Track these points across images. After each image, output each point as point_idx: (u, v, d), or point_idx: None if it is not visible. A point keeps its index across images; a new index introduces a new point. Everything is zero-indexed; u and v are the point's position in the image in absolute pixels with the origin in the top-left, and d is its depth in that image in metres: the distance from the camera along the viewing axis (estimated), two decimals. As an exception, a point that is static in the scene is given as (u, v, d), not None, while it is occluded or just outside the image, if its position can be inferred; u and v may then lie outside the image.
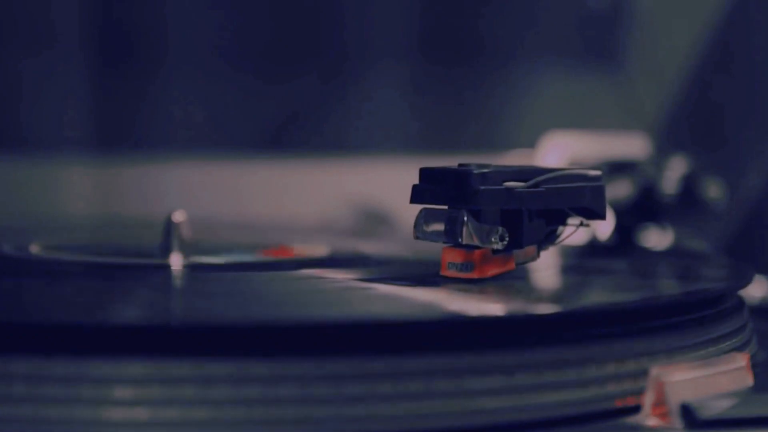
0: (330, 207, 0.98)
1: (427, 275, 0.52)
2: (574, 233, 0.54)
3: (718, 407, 0.43)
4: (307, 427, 0.41)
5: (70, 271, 0.58)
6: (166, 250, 0.60)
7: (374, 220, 0.93)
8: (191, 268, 0.57)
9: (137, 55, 1.03)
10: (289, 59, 1.05)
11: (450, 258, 0.51)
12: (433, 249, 0.52)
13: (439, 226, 0.50)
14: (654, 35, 1.01)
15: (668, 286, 0.58)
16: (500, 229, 0.50)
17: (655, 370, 0.44)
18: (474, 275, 0.50)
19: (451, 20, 1.06)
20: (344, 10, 1.05)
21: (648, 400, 0.44)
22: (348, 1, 1.05)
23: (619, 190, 0.71)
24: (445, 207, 0.50)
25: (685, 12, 0.98)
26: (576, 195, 0.52)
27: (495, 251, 0.51)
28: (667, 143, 0.83)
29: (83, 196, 1.01)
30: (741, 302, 0.54)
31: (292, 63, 1.05)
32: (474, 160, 0.54)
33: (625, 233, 0.71)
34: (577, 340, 0.44)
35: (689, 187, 0.72)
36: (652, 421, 0.43)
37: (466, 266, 0.51)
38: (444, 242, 0.51)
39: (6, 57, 1.00)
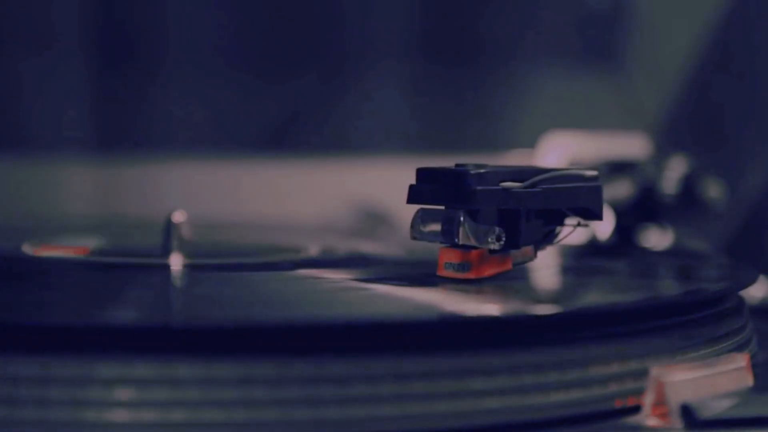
0: (330, 207, 0.98)
1: (424, 275, 0.52)
2: (573, 233, 0.54)
3: (718, 407, 0.43)
4: (304, 427, 0.41)
5: (70, 271, 0.58)
6: (166, 250, 0.60)
7: (374, 220, 0.93)
8: (191, 268, 0.57)
9: (137, 56, 1.03)
10: (289, 59, 1.05)
11: (447, 258, 0.51)
12: (433, 249, 0.52)
13: (436, 227, 0.50)
14: (654, 35, 1.01)
15: (668, 286, 0.57)
16: (497, 229, 0.50)
17: (655, 370, 0.44)
18: (471, 275, 0.50)
19: (451, 20, 1.06)
20: (344, 10, 1.05)
21: (648, 400, 0.44)
22: (348, 1, 1.05)
23: (620, 190, 0.71)
24: (443, 207, 0.50)
25: (685, 12, 0.98)
26: (573, 195, 0.52)
27: (491, 251, 0.51)
28: (667, 143, 0.83)
29: (83, 196, 1.01)
30: (741, 303, 0.54)
31: (292, 63, 1.05)
32: (473, 160, 0.54)
33: (625, 233, 0.71)
34: (577, 341, 0.44)
35: (689, 187, 0.72)
36: (652, 421, 0.43)
37: (464, 266, 0.51)
38: (441, 242, 0.51)
39: (6, 57, 1.00)
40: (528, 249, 0.52)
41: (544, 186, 0.51)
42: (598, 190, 0.53)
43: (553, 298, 0.53)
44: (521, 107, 1.05)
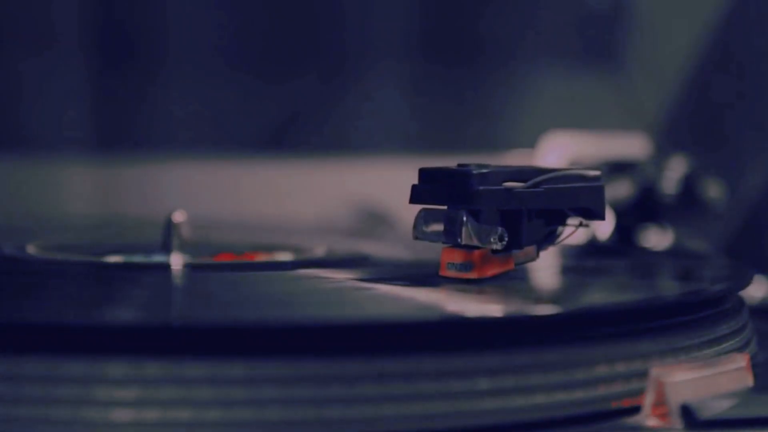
0: (330, 207, 0.98)
1: (426, 275, 0.52)
2: (574, 233, 0.54)
3: (718, 407, 0.43)
4: (303, 428, 0.41)
5: (70, 271, 0.58)
6: (166, 250, 0.60)
7: (374, 220, 0.93)
8: (191, 268, 0.57)
9: (137, 55, 1.03)
10: (289, 59, 1.05)
11: (449, 258, 0.51)
12: (433, 249, 0.52)
13: (439, 227, 0.50)
14: (654, 35, 1.01)
15: (668, 287, 0.57)
16: (499, 229, 0.50)
17: (655, 371, 0.44)
18: (473, 275, 0.50)
19: (451, 20, 1.06)
20: (344, 10, 1.05)
21: (648, 400, 0.44)
22: (348, 1, 1.05)
23: (619, 190, 0.71)
24: (445, 207, 0.50)
25: (685, 12, 0.98)
26: (575, 195, 0.52)
27: (494, 251, 0.51)
28: (667, 143, 0.83)
29: (83, 196, 1.01)
30: (741, 303, 0.54)
31: (292, 63, 1.05)
32: (474, 160, 0.54)
33: (625, 233, 0.71)
34: (577, 341, 0.44)
35: (689, 187, 0.72)
36: (652, 422, 0.43)
37: (466, 266, 0.51)
38: (443, 242, 0.51)
39: (6, 57, 1.00)
40: (530, 249, 0.52)
41: (546, 186, 0.51)
42: (599, 190, 0.53)
43: (553, 298, 0.53)
44: (521, 107, 1.05)
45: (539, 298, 0.52)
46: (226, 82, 1.05)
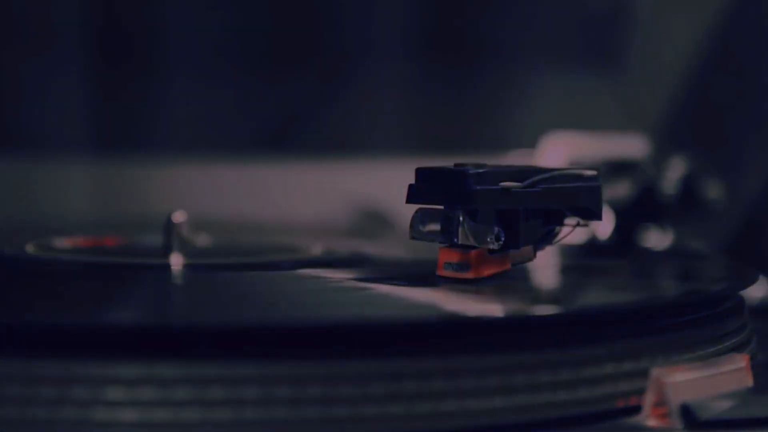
0: (330, 207, 0.98)
1: (423, 275, 0.52)
2: (571, 233, 0.54)
3: (718, 408, 0.43)
4: (302, 428, 0.41)
5: (70, 271, 0.58)
6: (166, 250, 0.60)
7: (374, 220, 0.93)
8: (191, 268, 0.57)
9: (137, 56, 1.03)
10: (289, 59, 1.05)
11: (446, 258, 0.51)
12: (432, 249, 0.52)
13: (435, 226, 0.50)
14: (654, 36, 1.01)
15: (669, 287, 0.57)
16: (496, 229, 0.50)
17: (655, 371, 0.44)
18: (470, 275, 0.50)
19: (451, 20, 1.06)
20: (344, 10, 1.05)
21: (648, 400, 0.44)
22: (348, 1, 1.05)
23: (620, 190, 0.71)
24: (441, 207, 0.50)
25: (685, 12, 0.98)
26: (572, 195, 0.52)
27: (491, 251, 0.51)
28: (667, 143, 0.83)
29: (83, 196, 1.01)
30: (741, 303, 0.54)
31: (292, 63, 1.05)
32: (473, 160, 0.54)
33: (625, 233, 0.71)
34: (577, 341, 0.44)
35: (689, 187, 0.72)
36: (652, 422, 0.43)
37: (463, 266, 0.51)
38: (440, 242, 0.51)
39: (6, 57, 1.00)
40: (527, 249, 0.52)
41: (543, 186, 0.51)
42: (597, 190, 0.53)
43: (552, 299, 0.53)
44: (521, 107, 1.05)
45: (538, 299, 0.52)
46: (226, 82, 1.05)
